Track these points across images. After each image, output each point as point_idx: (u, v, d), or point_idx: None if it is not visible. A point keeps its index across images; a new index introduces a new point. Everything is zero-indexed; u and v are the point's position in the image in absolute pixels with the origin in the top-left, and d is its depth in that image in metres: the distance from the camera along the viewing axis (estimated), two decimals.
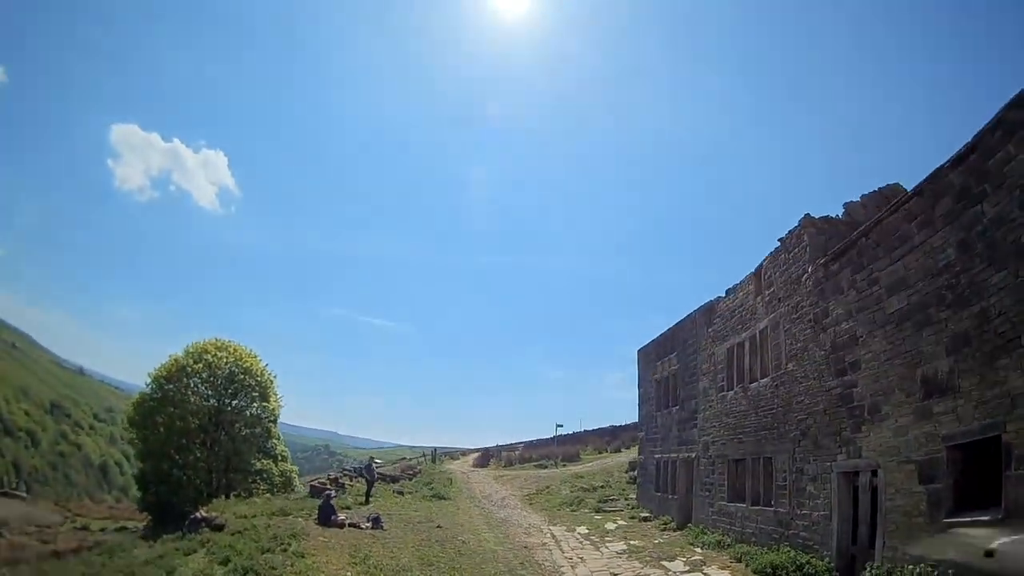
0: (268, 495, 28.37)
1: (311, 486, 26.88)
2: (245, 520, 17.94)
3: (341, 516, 19.31)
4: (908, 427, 10.87)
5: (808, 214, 14.79)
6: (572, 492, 30.76)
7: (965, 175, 9.91)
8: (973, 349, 9.59)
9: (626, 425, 49.18)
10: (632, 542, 19.60)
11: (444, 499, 28.89)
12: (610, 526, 23.02)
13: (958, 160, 10.05)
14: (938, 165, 10.50)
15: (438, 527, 20.82)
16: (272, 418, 34.11)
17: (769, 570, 13.55)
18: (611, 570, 15.87)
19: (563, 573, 15.69)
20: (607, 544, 19.42)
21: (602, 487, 31.90)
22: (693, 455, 21.41)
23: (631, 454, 38.28)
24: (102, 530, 35.16)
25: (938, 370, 10.28)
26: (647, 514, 24.26)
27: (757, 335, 17.57)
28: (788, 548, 14.03)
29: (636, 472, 30.00)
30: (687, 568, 15.66)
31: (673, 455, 23.42)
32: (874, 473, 11.95)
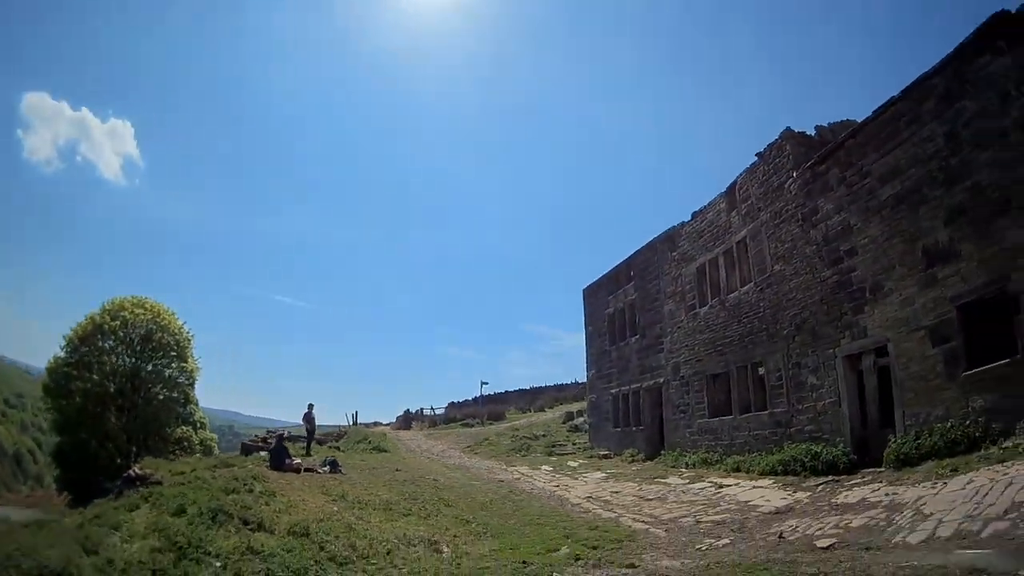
0: (188, 458, 29.25)
1: (243, 444, 27.88)
2: (185, 475, 16.77)
3: (296, 460, 20.00)
4: (915, 296, 14.59)
5: (789, 127, 18.69)
6: (514, 442, 34.25)
7: (948, 79, 13.86)
8: (969, 217, 13.40)
9: (546, 387, 53.46)
10: (608, 471, 22.95)
11: (385, 451, 31.03)
12: (572, 463, 26.45)
13: (941, 68, 13.99)
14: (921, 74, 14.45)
15: (397, 470, 22.55)
16: (190, 381, 35.26)
17: (779, 468, 16.97)
18: (610, 490, 18.80)
19: (562, 496, 18.24)
20: (583, 475, 22.62)
21: (543, 436, 35.75)
22: (661, 380, 25.21)
23: (557, 412, 42.40)
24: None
25: (938, 240, 14.05)
26: (605, 452, 27.99)
27: (734, 247, 21.31)
28: (792, 445, 17.58)
29: (581, 419, 33.73)
30: (687, 481, 18.87)
31: (635, 385, 27.25)
32: (879, 353, 15.74)
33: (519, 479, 22.29)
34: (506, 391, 60.27)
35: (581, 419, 36.84)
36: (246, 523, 12.25)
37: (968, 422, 12.99)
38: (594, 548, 11.60)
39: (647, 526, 13.58)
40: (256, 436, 32.27)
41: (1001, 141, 12.81)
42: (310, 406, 27.18)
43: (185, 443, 33.77)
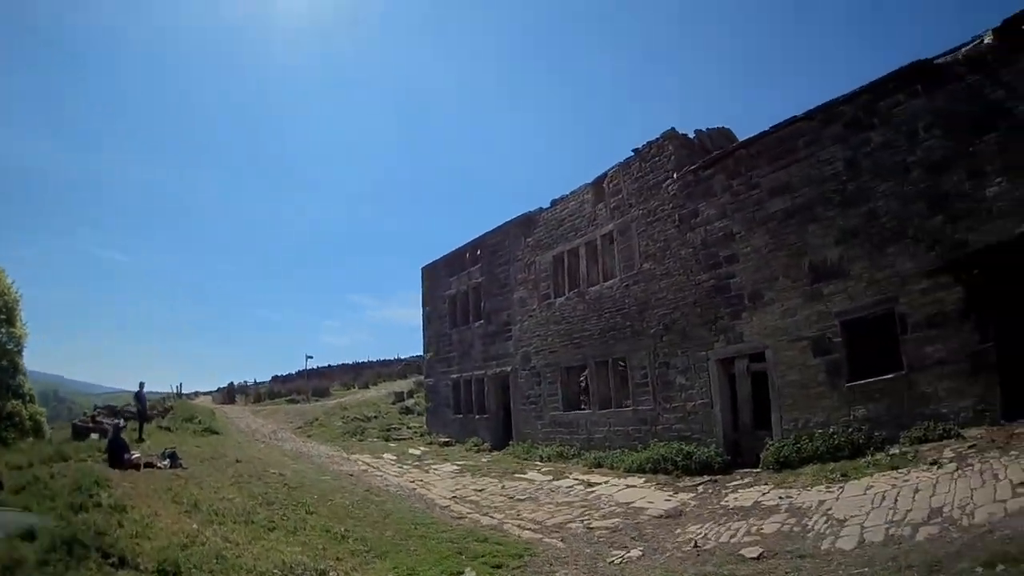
0: (20, 444, 25.34)
1: (74, 426, 25.63)
2: (23, 472, 15.72)
3: (135, 455, 18.36)
4: (797, 308, 15.36)
5: (673, 128, 18.82)
6: (346, 424, 33.18)
7: (858, 108, 14.57)
8: (862, 240, 14.28)
9: (369, 362, 52.28)
10: (458, 462, 22.46)
11: (217, 434, 29.51)
12: (415, 451, 25.70)
13: (852, 97, 14.68)
14: (830, 99, 15.09)
15: (238, 462, 20.92)
16: (18, 348, 29.92)
17: (648, 466, 17.14)
18: (472, 487, 18.31)
19: (424, 496, 17.49)
20: (433, 468, 21.85)
21: (375, 417, 34.76)
22: (508, 369, 24.90)
23: (382, 389, 41.34)
24: None
25: (827, 258, 14.84)
26: (446, 439, 27.42)
27: (598, 240, 21.25)
28: (661, 444, 17.90)
29: (412, 400, 32.83)
30: (549, 477, 18.70)
31: (479, 372, 26.79)
32: (753, 358, 16.43)
33: (367, 472, 21.21)
34: (330, 365, 59.16)
35: (412, 400, 36.04)
36: (106, 556, 9.97)
37: (851, 429, 13.93)
38: (497, 568, 10.92)
39: (538, 535, 13.01)
40: (86, 414, 29.50)
41: (903, 176, 13.75)
42: (141, 385, 26.57)
43: (15, 419, 28.86)
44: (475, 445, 25.40)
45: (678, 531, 12.02)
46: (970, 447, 11.61)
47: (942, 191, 13.20)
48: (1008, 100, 12.58)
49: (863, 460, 13.01)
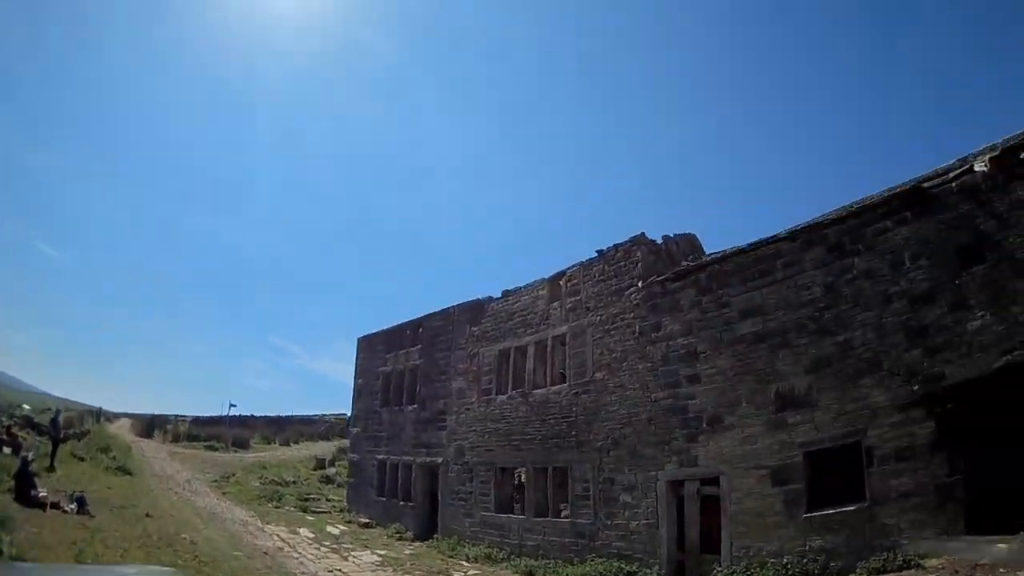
0: None
1: None
2: None
3: (42, 492, 16.88)
4: (759, 436, 14.28)
5: (643, 233, 17.74)
6: (263, 484, 31.34)
7: (842, 233, 13.84)
8: (834, 370, 13.40)
9: (292, 417, 49.24)
10: (379, 551, 20.46)
11: (130, 474, 28.16)
12: (333, 530, 23.55)
13: (837, 220, 14.03)
14: (814, 219, 14.48)
15: (148, 516, 19.09)
16: None
17: None
18: None
19: None
20: (352, 554, 19.90)
21: (294, 483, 32.88)
22: (439, 460, 22.92)
23: (303, 450, 38.74)
24: None
25: (795, 386, 13.88)
26: (367, 520, 25.20)
27: (549, 340, 19.76)
28: (599, 560, 16.41)
29: (333, 470, 30.46)
30: None
31: (408, 458, 24.72)
32: (705, 482, 15.23)
33: (282, 551, 18.96)
34: (252, 415, 55.93)
35: (334, 470, 33.64)
36: None
37: (806, 560, 12.80)
38: None
39: None
40: (2, 423, 26.82)
41: (883, 306, 12.95)
42: (57, 412, 26.81)
43: None
44: (398, 532, 23.26)
45: None
46: None
47: (923, 324, 12.45)
48: (999, 232, 11.95)
49: None
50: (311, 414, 57.13)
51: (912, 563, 11.56)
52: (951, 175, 12.80)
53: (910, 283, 12.67)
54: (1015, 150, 12.13)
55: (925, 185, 12.98)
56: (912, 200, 12.99)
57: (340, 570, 17.28)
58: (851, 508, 12.62)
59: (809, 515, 13.11)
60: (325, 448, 42.64)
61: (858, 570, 11.98)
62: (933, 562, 11.42)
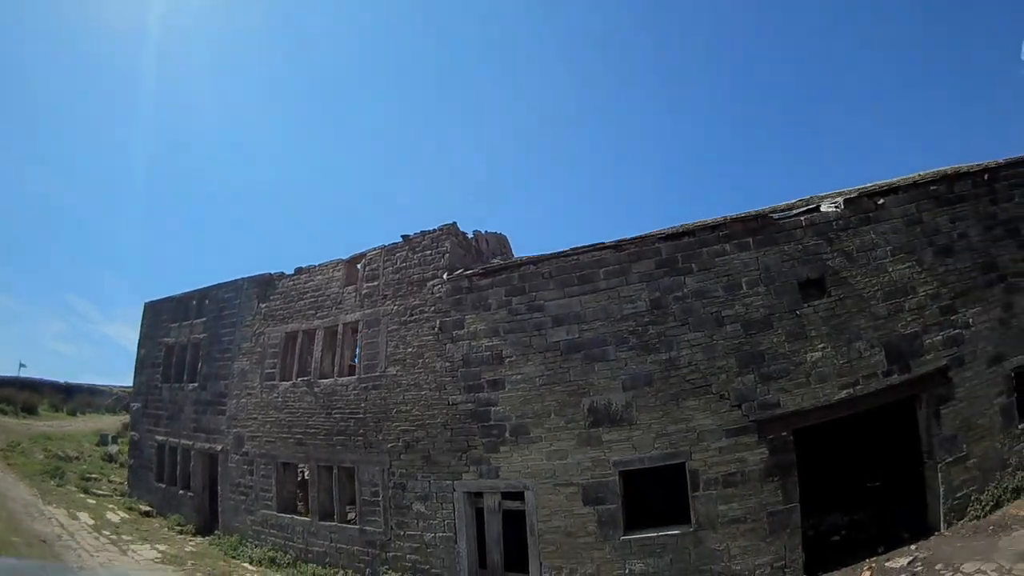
0: None
1: None
2: None
3: None
4: (569, 451, 10.46)
5: (455, 223, 13.04)
6: (48, 458, 22.74)
7: (674, 249, 10.35)
8: (656, 388, 9.95)
9: (81, 386, 38.61)
10: (159, 546, 14.45)
11: None
12: (113, 517, 16.75)
13: (672, 236, 10.45)
14: (646, 233, 10.75)
15: None
16: None
17: None
18: None
19: None
20: (131, 548, 13.98)
21: (77, 459, 24.28)
22: (218, 448, 16.65)
23: (90, 422, 30.17)
24: None
25: (612, 402, 10.24)
26: (147, 508, 18.13)
27: (340, 327, 14.57)
28: (393, 573, 11.86)
29: (116, 448, 23.14)
30: None
31: (187, 442, 17.86)
32: (507, 495, 11.12)
33: (61, 539, 13.19)
34: (43, 379, 42.77)
35: (116, 448, 25.39)
36: None
37: None
38: None
39: None
40: None
41: (715, 328, 9.78)
42: None
43: None
44: (179, 524, 16.65)
45: None
46: None
47: (758, 350, 9.52)
48: (847, 269, 9.52)
49: None
50: (100, 384, 44.78)
51: None
52: (794, 212, 9.95)
53: (746, 308, 9.52)
54: (872, 195, 9.83)
55: (774, 216, 9.90)
56: (756, 227, 9.85)
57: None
58: (675, 531, 9.41)
59: (627, 537, 9.68)
60: (111, 423, 33.34)
61: None
62: None
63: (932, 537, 8.91)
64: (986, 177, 10.34)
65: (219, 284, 18.81)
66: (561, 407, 10.58)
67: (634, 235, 10.56)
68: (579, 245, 10.88)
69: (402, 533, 12.13)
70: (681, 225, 10.50)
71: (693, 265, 10.04)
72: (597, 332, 10.45)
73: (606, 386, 10.24)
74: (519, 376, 11.10)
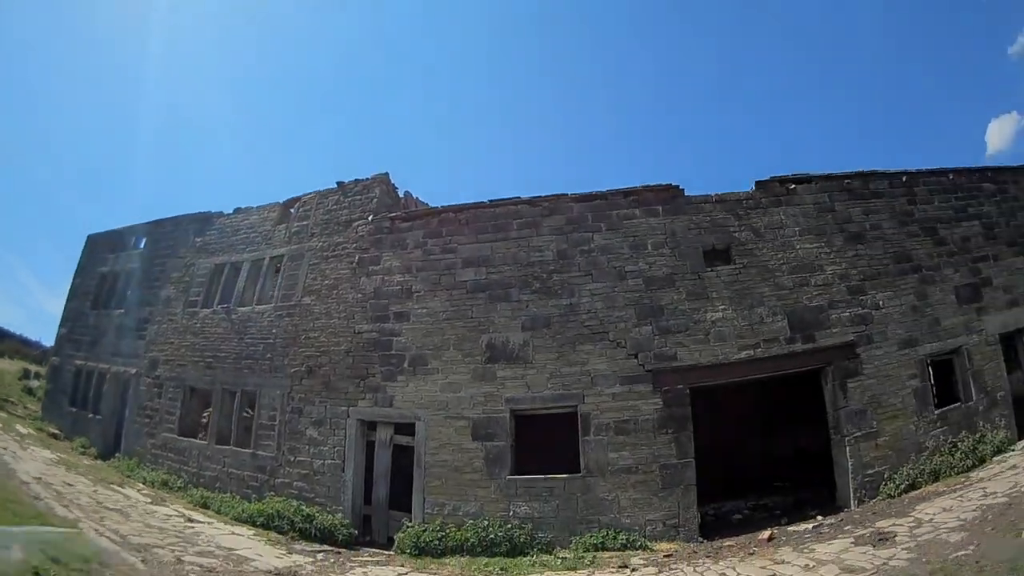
0: None
1: None
2: None
3: None
4: (463, 384, 9.78)
5: (388, 174, 12.44)
6: None
7: (586, 209, 10.07)
8: (555, 331, 9.47)
9: (11, 332, 35.96)
10: (60, 453, 13.58)
11: None
12: (23, 429, 15.58)
13: (585, 198, 10.17)
14: (563, 192, 10.41)
15: None
16: None
17: (261, 520, 10.03)
18: (62, 478, 10.85)
19: (8, 464, 10.65)
20: (32, 447, 13.37)
21: None
22: (132, 371, 15.33)
23: (17, 364, 27.80)
24: None
25: (510, 340, 9.67)
26: (55, 431, 16.39)
27: (267, 260, 13.71)
28: (277, 498, 10.67)
29: (37, 383, 21.36)
30: (148, 499, 10.98)
31: (103, 366, 16.27)
32: (400, 429, 10.34)
33: None
34: None
35: (37, 383, 23.40)
36: None
37: (511, 526, 8.67)
38: (56, 563, 5.15)
39: (116, 547, 7.09)
40: None
41: (617, 281, 9.59)
42: None
43: None
44: (82, 447, 14.97)
45: None
46: (666, 556, 7.64)
47: (658, 304, 9.16)
48: (753, 243, 9.39)
49: (526, 559, 8.14)
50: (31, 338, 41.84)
51: (637, 543, 8.02)
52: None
53: (649, 266, 9.16)
54: (785, 181, 9.81)
55: (683, 191, 9.75)
56: (667, 197, 9.62)
57: (15, 454, 11.67)
58: (563, 476, 8.75)
59: (514, 477, 8.98)
60: (40, 369, 31.14)
61: (573, 544, 8.19)
62: (664, 545, 8.01)
63: (842, 513, 8.42)
64: (904, 179, 10.45)
65: (161, 219, 17.70)
66: (460, 341, 9.91)
67: (551, 194, 10.26)
68: (499, 198, 10.53)
69: (293, 459, 11.11)
70: (597, 191, 10.15)
71: (602, 225, 9.69)
72: (503, 275, 9.88)
73: (506, 325, 9.65)
74: (424, 310, 10.40)
